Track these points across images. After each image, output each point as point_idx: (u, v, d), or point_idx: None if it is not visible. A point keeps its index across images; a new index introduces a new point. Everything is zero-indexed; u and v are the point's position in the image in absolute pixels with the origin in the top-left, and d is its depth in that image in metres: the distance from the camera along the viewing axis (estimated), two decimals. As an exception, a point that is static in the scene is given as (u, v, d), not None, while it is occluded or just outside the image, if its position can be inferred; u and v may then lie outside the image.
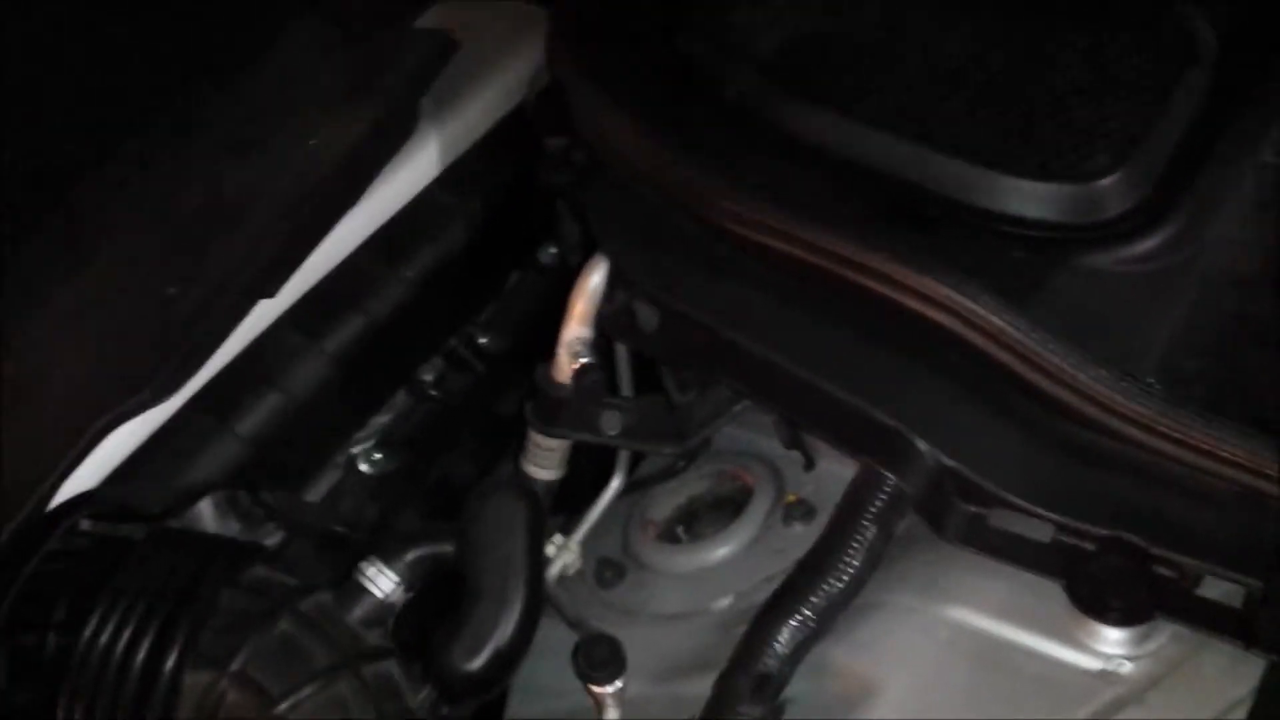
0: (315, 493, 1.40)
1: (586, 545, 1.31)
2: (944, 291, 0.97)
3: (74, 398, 1.11)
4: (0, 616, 1.07)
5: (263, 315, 1.23)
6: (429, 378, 1.46)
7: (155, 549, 1.16)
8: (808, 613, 1.00)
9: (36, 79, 1.17)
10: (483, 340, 1.47)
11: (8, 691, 1.10)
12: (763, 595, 1.08)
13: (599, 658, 1.07)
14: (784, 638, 1.00)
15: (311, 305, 1.27)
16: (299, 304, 1.26)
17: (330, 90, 1.29)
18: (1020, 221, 1.03)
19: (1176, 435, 0.92)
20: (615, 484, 1.32)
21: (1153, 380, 0.97)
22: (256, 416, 1.22)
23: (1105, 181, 1.02)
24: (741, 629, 1.05)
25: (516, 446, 1.36)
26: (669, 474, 1.34)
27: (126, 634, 1.09)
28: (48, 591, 1.12)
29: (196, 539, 1.22)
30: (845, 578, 1.00)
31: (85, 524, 1.15)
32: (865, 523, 1.00)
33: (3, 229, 1.14)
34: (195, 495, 1.20)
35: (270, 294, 1.20)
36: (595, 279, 1.21)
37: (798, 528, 1.22)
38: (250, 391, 1.23)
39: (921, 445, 0.98)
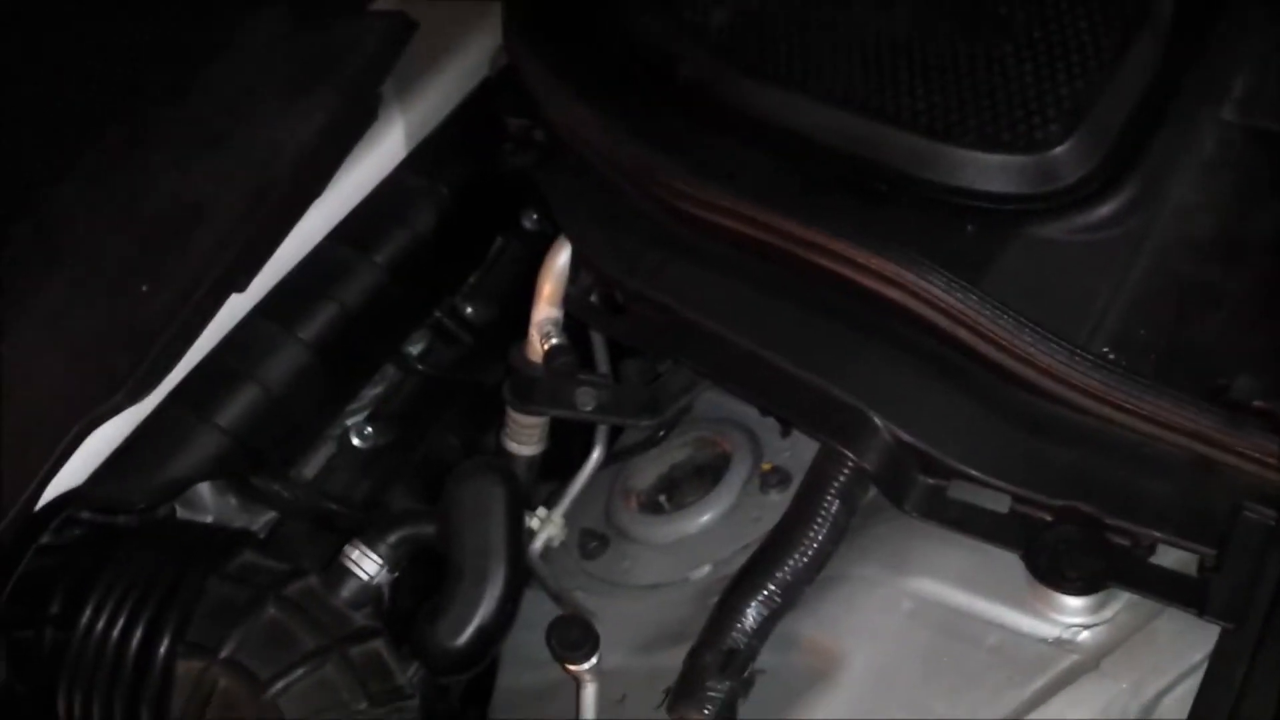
0: (311, 468, 1.42)
1: (570, 516, 1.33)
2: (894, 269, 0.97)
3: (52, 400, 1.14)
4: (-3, 612, 1.11)
5: (236, 308, 1.25)
6: (415, 350, 1.48)
7: (143, 541, 1.19)
8: (773, 588, 1.02)
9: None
10: (468, 310, 1.48)
11: (8, 684, 1.15)
12: (739, 564, 1.10)
13: (571, 639, 1.09)
14: (751, 613, 1.01)
15: (284, 295, 1.28)
16: (272, 294, 1.27)
17: (290, 79, 1.28)
18: (972, 194, 1.02)
19: (1128, 406, 0.93)
20: (596, 456, 1.33)
21: (1107, 349, 0.97)
22: (235, 408, 1.25)
23: (1057, 151, 1.01)
24: (716, 599, 1.07)
25: (499, 421, 1.38)
26: (650, 443, 1.35)
27: (119, 626, 1.13)
28: (42, 586, 1.16)
29: (184, 529, 1.25)
30: (810, 553, 1.02)
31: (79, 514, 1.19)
32: (829, 497, 1.02)
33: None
34: (180, 488, 1.23)
35: (241, 288, 1.21)
36: (561, 260, 1.22)
37: (774, 495, 1.23)
38: (227, 384, 1.25)
39: (878, 420, 0.99)
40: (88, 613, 1.13)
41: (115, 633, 1.13)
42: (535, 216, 1.49)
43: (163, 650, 1.12)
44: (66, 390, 1.13)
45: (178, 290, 1.17)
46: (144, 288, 1.16)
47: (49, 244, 1.19)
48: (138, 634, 1.13)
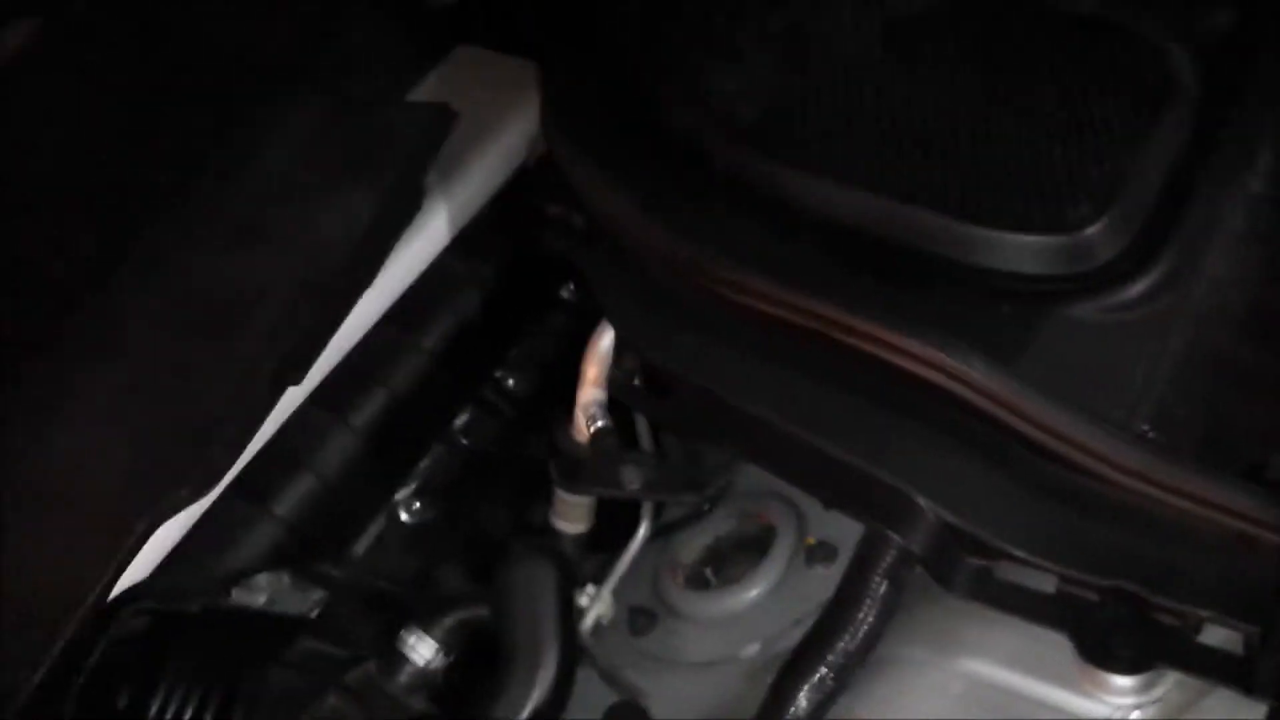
0: (361, 545, 1.45)
1: (619, 593, 1.34)
2: (933, 353, 0.99)
3: (117, 497, 1.16)
4: (68, 711, 1.14)
5: (290, 397, 1.28)
6: (458, 424, 1.51)
7: (205, 631, 1.22)
8: (825, 670, 1.02)
9: (40, 179, 1.20)
10: (510, 383, 1.51)
11: (80, 779, 1.17)
12: (788, 641, 1.11)
13: (627, 727, 1.10)
14: (804, 698, 1.02)
15: (335, 383, 1.31)
16: (323, 383, 1.30)
17: (336, 170, 1.32)
18: (1006, 276, 1.03)
19: (1170, 485, 0.93)
20: (642, 532, 1.35)
21: (1148, 428, 0.98)
22: (292, 497, 1.28)
23: (1089, 231, 1.02)
24: (768, 678, 1.08)
25: (546, 498, 1.40)
26: (695, 517, 1.37)
27: (186, 718, 1.15)
28: (110, 681, 1.18)
29: (244, 618, 1.28)
30: (860, 634, 1.03)
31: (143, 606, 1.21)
32: (876, 578, 1.03)
33: (23, 336, 1.19)
34: (240, 578, 1.25)
35: (297, 381, 1.24)
36: (604, 343, 1.24)
37: (820, 570, 1.25)
38: (283, 474, 1.28)
39: (922, 502, 1.00)
40: (155, 706, 1.16)
41: (183, 725, 1.15)
42: (573, 286, 1.52)
43: (229, 744, 1.14)
44: (131, 487, 1.16)
45: (236, 385, 1.20)
46: (202, 382, 1.19)
47: (104, 337, 1.21)
48: (204, 727, 1.15)
